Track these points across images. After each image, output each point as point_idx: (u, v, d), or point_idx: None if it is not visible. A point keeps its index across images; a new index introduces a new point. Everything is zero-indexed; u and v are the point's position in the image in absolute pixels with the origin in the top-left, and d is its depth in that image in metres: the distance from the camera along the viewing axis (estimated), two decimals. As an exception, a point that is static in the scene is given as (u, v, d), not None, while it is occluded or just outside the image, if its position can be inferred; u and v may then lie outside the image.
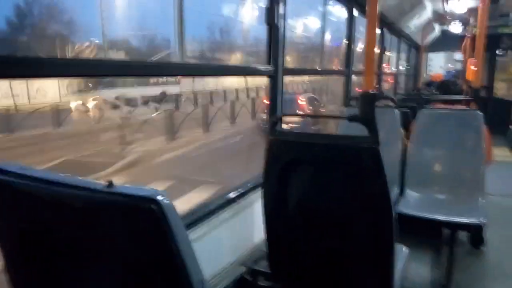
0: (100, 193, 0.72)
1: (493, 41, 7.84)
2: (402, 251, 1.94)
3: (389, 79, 7.95)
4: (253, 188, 2.32)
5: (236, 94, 20.93)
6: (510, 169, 5.86)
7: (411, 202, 2.76)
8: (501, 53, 8.70)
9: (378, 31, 4.93)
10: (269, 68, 2.47)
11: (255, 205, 2.26)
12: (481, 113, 2.94)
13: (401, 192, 2.90)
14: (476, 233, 3.12)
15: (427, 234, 2.92)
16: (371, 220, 1.50)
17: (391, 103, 3.15)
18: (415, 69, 9.12)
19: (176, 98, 19.12)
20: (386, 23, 5.31)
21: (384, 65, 6.71)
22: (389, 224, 1.45)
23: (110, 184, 0.72)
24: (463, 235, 3.14)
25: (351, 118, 1.46)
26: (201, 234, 1.89)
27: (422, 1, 5.61)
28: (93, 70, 1.40)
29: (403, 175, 2.94)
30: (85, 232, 0.82)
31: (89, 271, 0.92)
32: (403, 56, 8.42)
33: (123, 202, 0.71)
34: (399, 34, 6.61)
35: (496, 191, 4.18)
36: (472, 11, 6.81)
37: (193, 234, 1.82)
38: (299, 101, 11.24)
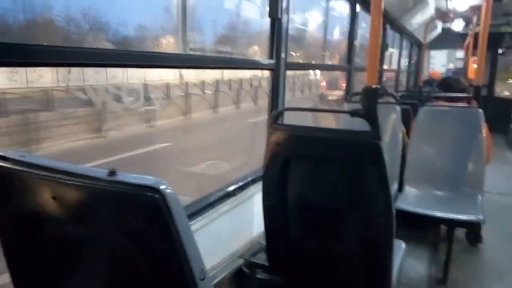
0: (102, 182, 0.72)
1: (495, 40, 7.86)
2: (400, 246, 1.95)
3: (390, 76, 7.93)
4: (253, 181, 2.32)
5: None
6: (509, 168, 5.89)
7: (410, 198, 2.78)
8: (502, 52, 8.71)
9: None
10: (272, 62, 2.46)
11: (255, 199, 2.27)
12: (481, 111, 2.95)
13: (400, 188, 2.91)
14: (473, 231, 3.14)
15: (425, 230, 2.94)
16: (370, 215, 1.51)
17: (392, 100, 3.15)
18: (416, 67, 9.11)
19: None
20: (388, 19, 5.29)
21: (385, 62, 6.70)
22: (389, 219, 1.45)
23: (113, 172, 0.71)
24: (460, 232, 3.16)
25: (353, 113, 1.46)
26: (200, 226, 1.90)
27: None
28: (83, 58, 1.35)
29: (402, 172, 2.95)
30: (86, 221, 0.82)
31: (89, 260, 0.92)
32: (405, 53, 8.40)
33: (125, 191, 0.71)
34: (402, 31, 6.59)
35: (494, 189, 4.19)
36: (475, 9, 6.79)
37: (193, 226, 1.83)
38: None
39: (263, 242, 1.92)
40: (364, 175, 1.46)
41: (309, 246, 1.80)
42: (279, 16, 2.40)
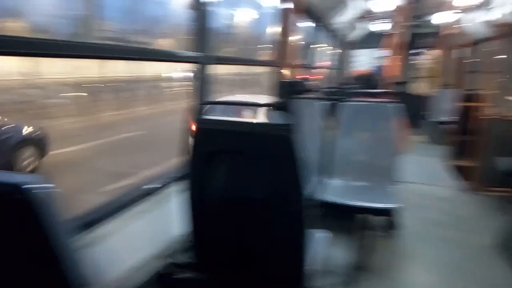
0: None
1: (410, 41, 8.55)
2: (323, 236, 2.02)
3: (321, 74, 8.25)
4: (176, 177, 2.25)
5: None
6: (423, 159, 6.43)
7: (332, 190, 2.90)
8: (415, 52, 9.52)
9: (303, 24, 5.03)
10: (196, 55, 2.40)
11: (179, 196, 2.20)
12: (395, 106, 3.17)
13: (323, 180, 3.03)
14: (389, 218, 3.37)
15: (349, 219, 3.09)
16: (285, 207, 1.54)
17: (315, 95, 3.27)
18: (341, 65, 9.57)
19: None
20: (314, 17, 5.45)
21: (317, 59, 6.95)
22: (302, 210, 1.49)
23: None
24: (381, 220, 3.36)
25: (266, 105, 1.48)
26: (115, 227, 1.79)
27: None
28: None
29: (324, 164, 3.07)
30: None
31: None
32: (334, 51, 8.77)
33: None
34: (328, 29, 6.85)
35: (409, 178, 4.54)
36: (395, 11, 7.31)
37: (106, 228, 1.72)
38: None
39: (188, 240, 1.87)
40: (278, 167, 1.49)
41: (232, 242, 1.79)
42: (204, 7, 2.35)
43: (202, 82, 2.46)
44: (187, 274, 1.95)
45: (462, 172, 5.28)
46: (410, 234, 3.46)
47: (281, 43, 1.56)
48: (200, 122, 1.69)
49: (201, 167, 1.70)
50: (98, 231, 1.67)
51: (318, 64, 7.91)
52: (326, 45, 8.06)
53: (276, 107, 1.52)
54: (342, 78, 8.49)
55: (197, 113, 1.72)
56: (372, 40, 9.05)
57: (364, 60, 9.99)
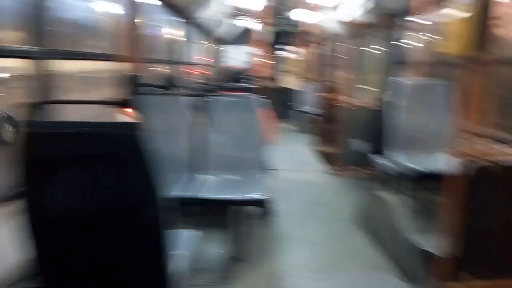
0: None
1: (276, 38, 9.13)
2: (192, 234, 1.96)
3: (199, 69, 8.16)
4: (9, 196, 1.91)
5: None
6: (291, 147, 6.92)
7: (204, 185, 2.86)
8: (281, 49, 10.25)
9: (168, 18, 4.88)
10: (28, 49, 2.06)
11: (16, 216, 1.87)
12: (262, 99, 3.28)
13: (195, 176, 2.97)
14: (264, 207, 3.49)
15: (223, 213, 3.09)
16: (140, 211, 1.42)
17: (182, 91, 3.19)
18: (215, 60, 9.67)
19: None
20: (179, 11, 5.32)
21: (192, 55, 6.82)
22: (157, 212, 1.40)
23: None
24: (256, 210, 3.45)
25: (109, 103, 1.32)
26: None
27: None
28: None
29: (196, 160, 3.01)
30: None
31: None
32: (208, 47, 8.76)
33: None
34: (195, 24, 6.78)
35: (279, 166, 4.79)
36: (260, 8, 7.63)
37: None
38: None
39: (32, 265, 1.60)
40: (126, 169, 1.36)
41: (85, 257, 1.59)
42: None
43: (36, 81, 2.13)
44: None
45: (327, 157, 5.82)
46: (283, 219, 3.65)
47: (136, 37, 1.42)
48: (32, 126, 1.44)
49: (39, 180, 1.45)
50: None
51: (194, 59, 7.80)
52: (200, 41, 7.99)
53: (122, 105, 1.37)
54: (214, 73, 8.58)
55: (29, 116, 1.46)
56: (241, 36, 9.33)
57: (234, 56, 10.29)
